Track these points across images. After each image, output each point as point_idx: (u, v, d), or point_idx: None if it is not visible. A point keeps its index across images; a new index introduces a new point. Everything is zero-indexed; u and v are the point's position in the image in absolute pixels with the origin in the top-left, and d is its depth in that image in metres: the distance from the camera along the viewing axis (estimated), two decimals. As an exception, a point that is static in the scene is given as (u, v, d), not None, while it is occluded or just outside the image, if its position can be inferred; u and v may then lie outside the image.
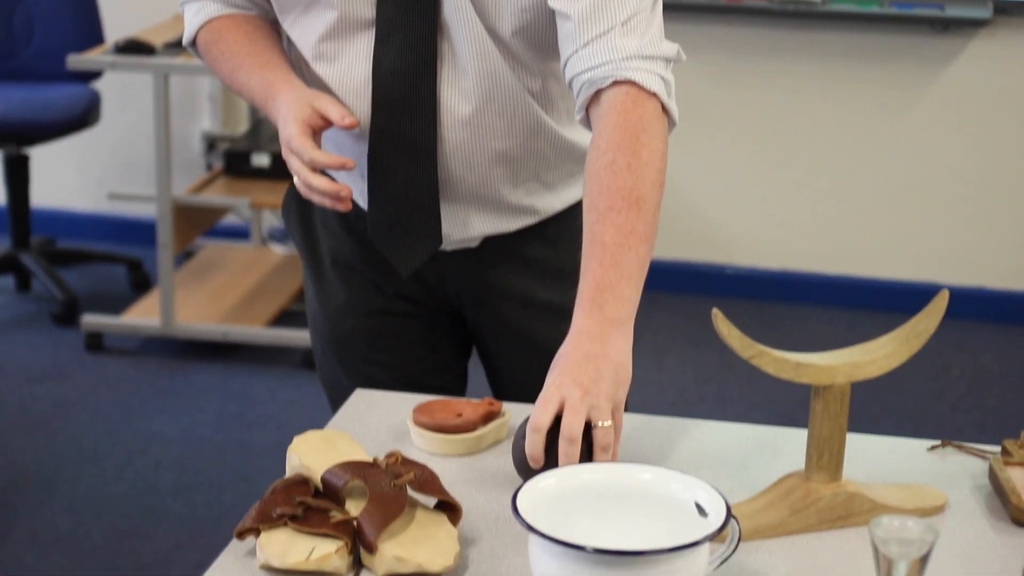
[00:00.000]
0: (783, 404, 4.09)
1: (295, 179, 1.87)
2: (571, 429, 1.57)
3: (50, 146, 4.79)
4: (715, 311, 1.57)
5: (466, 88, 1.89)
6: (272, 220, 5.05)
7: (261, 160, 4.46)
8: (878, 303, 4.77)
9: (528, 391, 1.98)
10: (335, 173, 1.97)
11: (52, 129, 4.49)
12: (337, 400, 2.06)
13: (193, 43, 2.03)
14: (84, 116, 4.55)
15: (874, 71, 4.64)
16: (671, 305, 4.77)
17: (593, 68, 1.77)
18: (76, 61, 4.24)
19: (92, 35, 4.67)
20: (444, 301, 2.10)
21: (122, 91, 4.99)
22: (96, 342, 4.36)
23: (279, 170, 4.43)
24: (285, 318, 4.47)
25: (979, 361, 4.45)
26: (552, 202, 2.04)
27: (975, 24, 4.52)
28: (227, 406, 4.02)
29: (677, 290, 4.86)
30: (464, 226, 2.00)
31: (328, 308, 2.12)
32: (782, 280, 4.87)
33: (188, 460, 3.72)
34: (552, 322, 1.97)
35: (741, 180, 4.82)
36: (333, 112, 1.85)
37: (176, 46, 4.25)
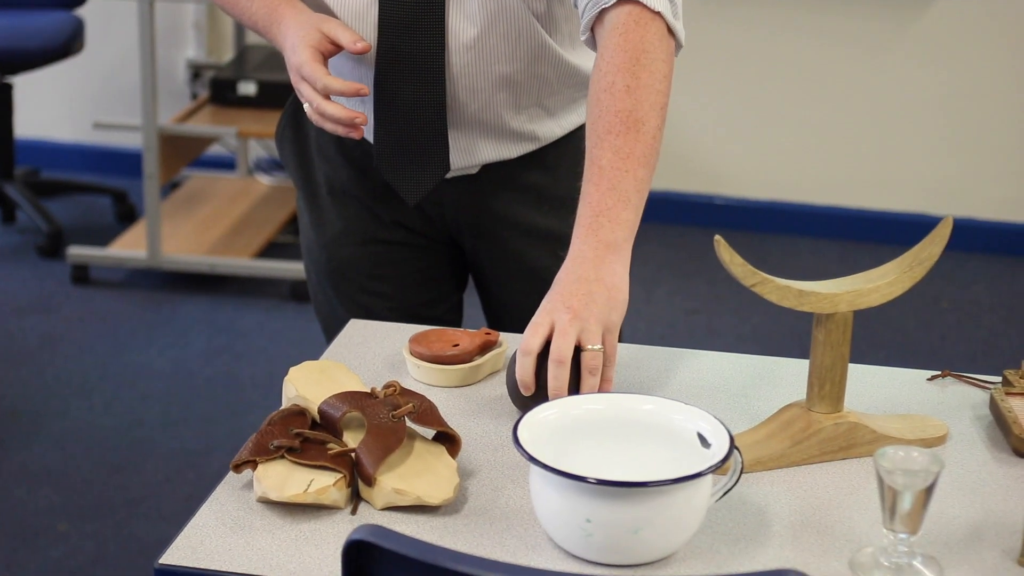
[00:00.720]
0: (773, 336, 4.08)
1: (306, 107, 1.84)
2: (559, 351, 1.56)
3: (33, 75, 4.74)
4: (718, 238, 1.54)
5: (471, 10, 1.86)
6: (258, 150, 5.01)
7: (247, 88, 4.42)
8: (868, 234, 4.75)
9: (526, 320, 1.97)
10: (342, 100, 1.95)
11: (36, 57, 4.42)
12: (332, 332, 2.04)
13: None
14: (68, 44, 4.48)
15: None
16: (660, 236, 4.74)
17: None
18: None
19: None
20: (442, 230, 2.07)
21: (105, 18, 4.92)
22: (82, 274, 4.33)
23: (265, 98, 4.39)
24: (272, 249, 4.44)
25: (969, 292, 4.44)
26: (553, 128, 2.02)
27: (968, -49, 4.49)
28: (215, 338, 3.99)
29: (666, 221, 4.83)
30: (467, 153, 1.97)
31: (324, 237, 2.09)
32: (771, 211, 4.84)
33: (176, 393, 3.69)
34: (550, 250, 1.95)
35: (731, 110, 4.79)
36: (344, 36, 1.82)
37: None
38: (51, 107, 5.18)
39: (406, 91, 1.89)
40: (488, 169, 2.01)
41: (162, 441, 3.47)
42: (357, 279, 2.09)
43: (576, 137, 2.01)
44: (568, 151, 2.02)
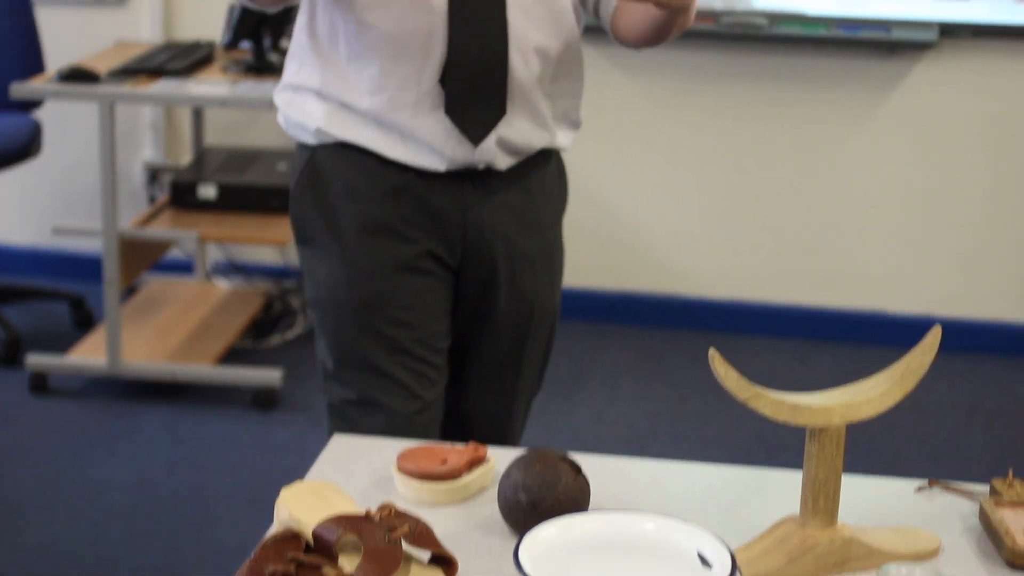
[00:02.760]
0: (737, 440, 4.07)
1: None
2: None
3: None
4: (713, 352, 1.54)
5: None
6: (216, 254, 4.98)
7: (208, 192, 4.40)
8: (827, 332, 4.77)
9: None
10: (405, 79, 2.18)
11: (-6, 161, 4.39)
12: (348, 375, 2.27)
13: None
14: (26, 147, 4.44)
15: (821, 95, 4.66)
16: (620, 337, 4.74)
17: None
18: (20, 90, 4.15)
19: (33, 63, 4.58)
20: (458, 253, 2.29)
21: (61, 120, 4.90)
22: (41, 383, 4.27)
23: (226, 201, 4.37)
24: (233, 355, 4.40)
25: (930, 391, 4.44)
26: (556, 134, 2.33)
27: (921, 47, 4.53)
28: (177, 449, 3.93)
29: (626, 322, 4.84)
30: (508, 125, 2.23)
31: (355, 274, 2.25)
32: (731, 310, 4.86)
33: (140, 507, 3.62)
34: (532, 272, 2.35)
35: (688, 208, 4.81)
36: None
37: (121, 74, 4.17)
38: (7, 211, 5.14)
39: (474, 43, 2.15)
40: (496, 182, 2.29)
41: (127, 557, 3.39)
42: (387, 310, 2.25)
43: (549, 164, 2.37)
44: (545, 181, 2.37)
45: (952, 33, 4.52)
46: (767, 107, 4.69)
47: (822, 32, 4.54)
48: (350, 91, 2.21)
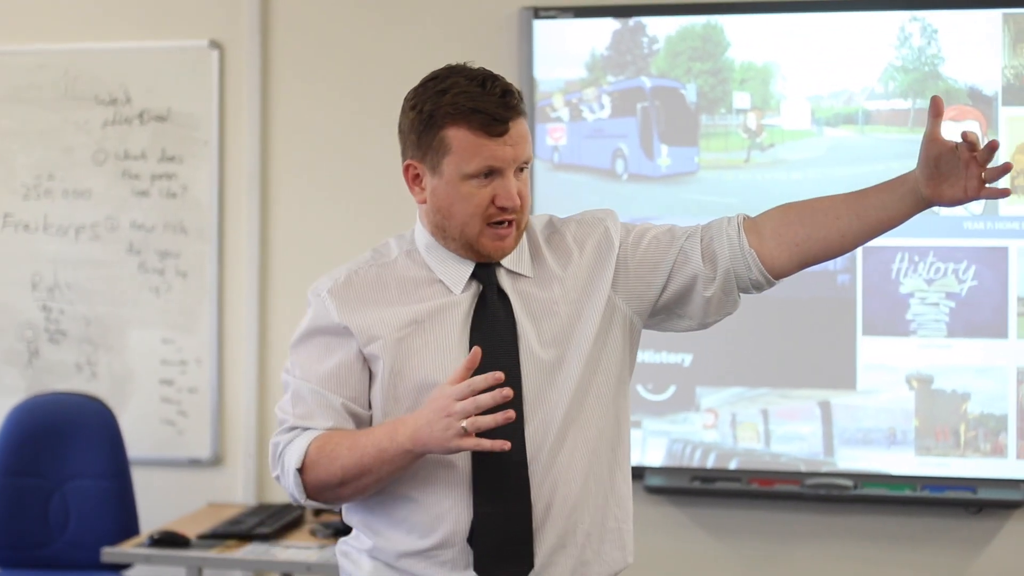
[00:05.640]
0: None
1: (460, 427, 2.23)
2: None
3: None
4: None
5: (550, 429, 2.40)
6: None
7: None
8: None
9: None
10: (440, 542, 2.38)
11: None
12: None
13: (300, 467, 2.36)
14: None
15: (908, 554, 4.62)
16: None
17: (724, 226, 2.42)
18: (111, 554, 4.24)
19: (127, 525, 4.68)
20: None
21: (153, 579, 4.97)
22: None
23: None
24: None
25: None
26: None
27: (1008, 506, 4.51)
28: None
29: None
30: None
31: None
32: None
33: None
34: None
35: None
36: (478, 380, 2.24)
37: (210, 538, 4.25)
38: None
39: (498, 509, 2.36)
40: None
41: None
42: None
43: None
44: None
45: (1039, 491, 4.52)
46: (854, 566, 4.65)
47: (908, 492, 4.53)
48: (392, 553, 2.43)
